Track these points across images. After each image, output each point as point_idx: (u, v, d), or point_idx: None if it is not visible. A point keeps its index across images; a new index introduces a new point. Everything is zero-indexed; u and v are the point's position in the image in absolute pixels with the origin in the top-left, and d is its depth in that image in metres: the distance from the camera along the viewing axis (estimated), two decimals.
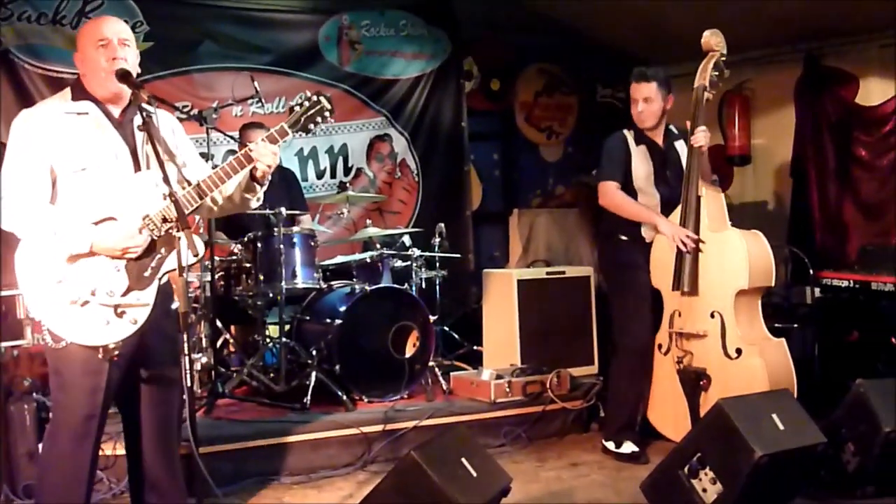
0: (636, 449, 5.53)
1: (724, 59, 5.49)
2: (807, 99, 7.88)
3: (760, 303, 5.39)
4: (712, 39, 5.49)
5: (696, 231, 5.31)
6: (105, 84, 3.71)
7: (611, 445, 5.62)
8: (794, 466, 4.30)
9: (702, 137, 5.38)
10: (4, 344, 5.04)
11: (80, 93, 3.78)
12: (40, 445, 4.98)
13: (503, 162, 9.58)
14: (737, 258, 5.21)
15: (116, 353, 3.64)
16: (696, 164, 5.37)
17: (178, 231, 3.51)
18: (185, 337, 3.51)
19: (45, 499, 3.76)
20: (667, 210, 5.52)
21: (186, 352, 3.53)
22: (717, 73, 5.48)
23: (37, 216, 3.62)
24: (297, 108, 3.89)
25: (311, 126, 3.90)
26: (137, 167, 3.77)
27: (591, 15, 8.19)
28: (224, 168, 3.77)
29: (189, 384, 3.56)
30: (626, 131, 5.64)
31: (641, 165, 5.55)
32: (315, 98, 3.90)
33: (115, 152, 3.74)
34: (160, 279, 3.76)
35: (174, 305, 3.55)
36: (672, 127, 5.70)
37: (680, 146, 5.65)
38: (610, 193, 5.53)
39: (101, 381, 3.67)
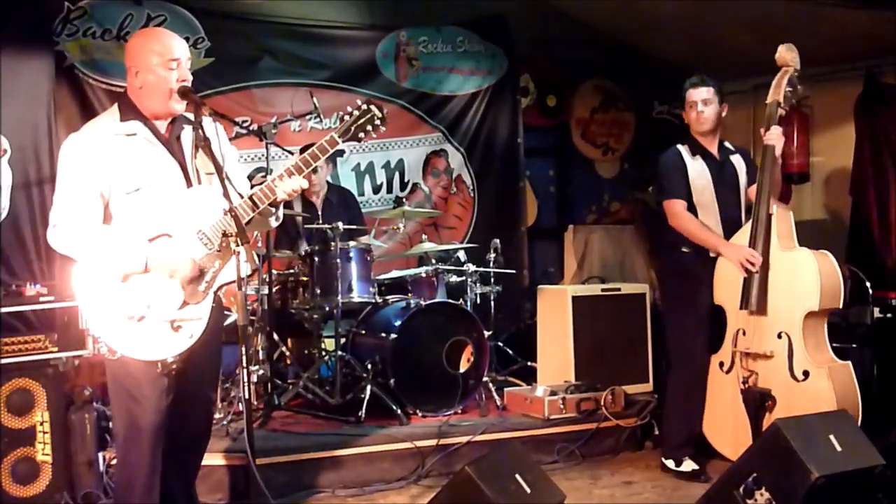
0: (696, 467, 5.50)
1: (798, 74, 5.43)
2: (866, 116, 7.79)
3: (826, 324, 5.30)
4: (787, 54, 5.38)
5: (767, 249, 5.23)
6: (168, 103, 3.75)
7: (670, 464, 5.58)
8: (851, 489, 4.24)
9: (775, 136, 5.29)
10: (66, 354, 5.12)
11: (128, 111, 3.79)
12: (100, 454, 5.09)
13: (559, 178, 9.57)
14: (808, 279, 5.12)
15: (174, 367, 3.71)
16: (768, 174, 5.27)
17: (238, 245, 3.54)
18: (242, 349, 3.56)
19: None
20: (726, 218, 5.48)
21: (244, 364, 3.58)
22: (790, 90, 5.39)
23: (90, 240, 3.66)
24: (346, 118, 3.89)
25: (362, 135, 3.89)
26: (189, 182, 3.82)
27: (647, 31, 8.18)
28: (251, 198, 3.78)
29: (246, 396, 3.61)
30: (679, 146, 5.60)
31: (699, 178, 5.50)
32: (365, 106, 3.90)
33: (166, 170, 3.77)
34: (215, 293, 3.82)
35: (228, 321, 3.59)
36: (727, 143, 5.66)
37: (737, 161, 5.60)
38: (678, 215, 5.45)
39: (164, 386, 3.73)
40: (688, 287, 5.55)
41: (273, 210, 3.94)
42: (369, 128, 3.89)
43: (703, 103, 5.48)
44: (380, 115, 3.90)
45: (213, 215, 3.73)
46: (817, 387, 5.05)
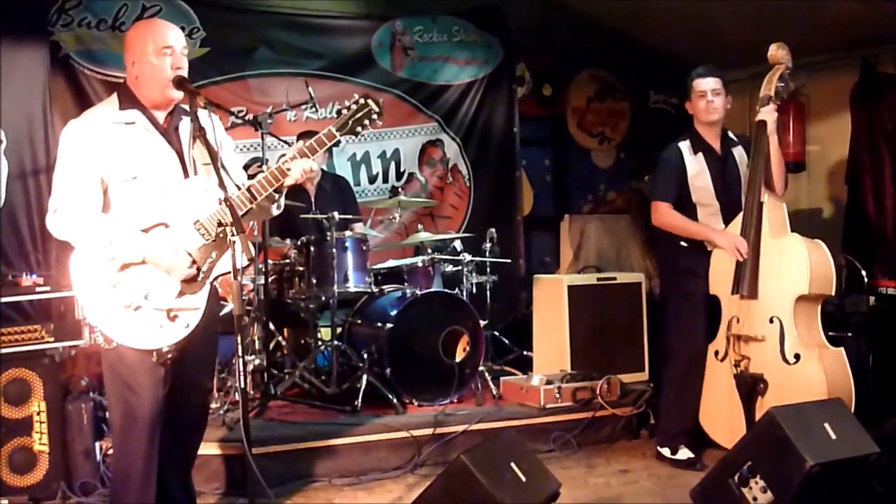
0: (692, 455, 5.52)
1: (789, 71, 5.42)
2: (863, 105, 7.79)
3: (819, 311, 5.29)
4: (779, 52, 5.37)
5: (758, 237, 5.23)
6: (164, 91, 3.76)
7: (666, 452, 5.60)
8: (846, 476, 4.26)
9: (766, 112, 5.27)
10: (62, 344, 5.13)
11: (127, 100, 3.81)
12: (97, 444, 5.09)
13: (554, 167, 9.57)
14: (797, 263, 5.13)
15: (170, 356, 3.71)
16: (760, 160, 5.26)
17: (234, 235, 3.54)
18: (238, 339, 3.56)
19: (123, 498, 3.83)
20: (728, 214, 5.46)
21: (240, 354, 3.58)
22: (782, 85, 5.38)
23: (90, 227, 3.66)
24: (344, 112, 3.88)
25: (359, 129, 3.89)
26: (186, 173, 3.83)
27: (644, 21, 8.17)
28: (261, 181, 3.77)
29: (242, 386, 3.61)
30: (681, 143, 5.57)
31: (700, 176, 5.48)
32: (363, 101, 3.89)
33: (163, 159, 3.78)
34: (211, 283, 3.83)
35: (224, 311, 3.58)
36: (731, 133, 5.65)
37: (738, 153, 5.58)
38: (662, 214, 5.49)
39: (160, 376, 3.74)
40: (685, 279, 5.56)
41: (276, 196, 3.94)
42: (367, 122, 3.89)
43: (712, 93, 5.45)
44: (377, 109, 3.89)
45: (211, 205, 3.73)
46: (808, 370, 5.06)
